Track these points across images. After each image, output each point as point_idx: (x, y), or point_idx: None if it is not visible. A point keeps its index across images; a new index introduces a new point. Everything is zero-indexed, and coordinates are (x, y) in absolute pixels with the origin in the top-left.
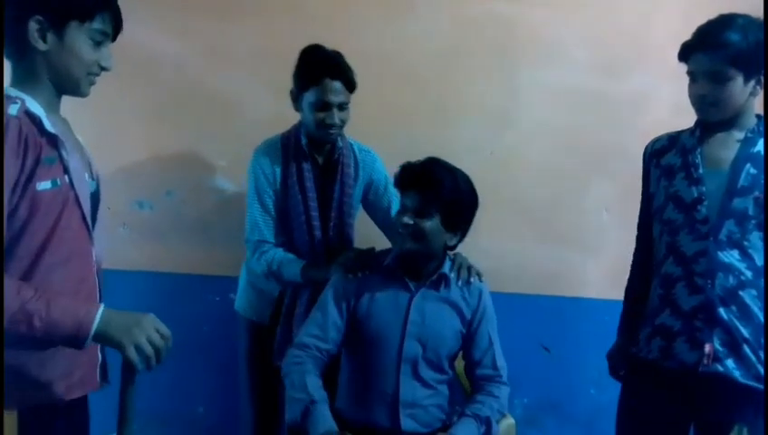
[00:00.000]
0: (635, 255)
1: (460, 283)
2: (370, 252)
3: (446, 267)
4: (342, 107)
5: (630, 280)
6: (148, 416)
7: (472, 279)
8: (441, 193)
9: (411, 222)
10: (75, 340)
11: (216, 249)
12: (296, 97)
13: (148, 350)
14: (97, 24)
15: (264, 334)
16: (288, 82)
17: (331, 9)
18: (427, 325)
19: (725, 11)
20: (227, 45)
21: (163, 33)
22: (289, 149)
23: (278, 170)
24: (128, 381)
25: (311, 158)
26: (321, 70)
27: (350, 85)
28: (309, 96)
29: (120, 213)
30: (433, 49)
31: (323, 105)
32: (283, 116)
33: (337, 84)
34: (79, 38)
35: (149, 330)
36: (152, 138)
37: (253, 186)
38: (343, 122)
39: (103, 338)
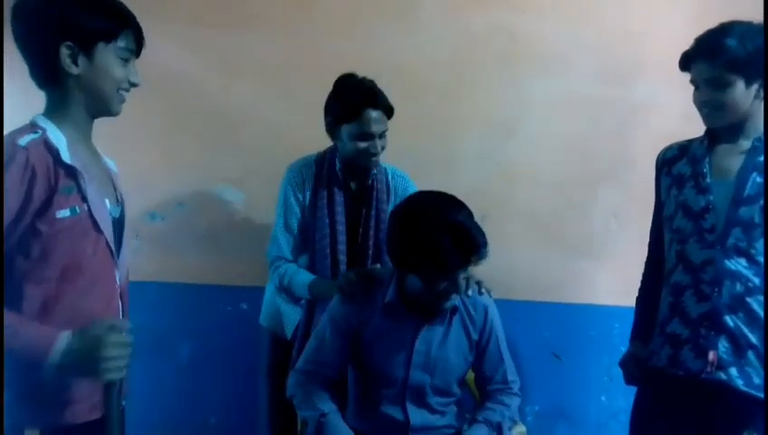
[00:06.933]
0: (647, 262)
1: (470, 292)
2: (372, 272)
3: (454, 300)
4: (383, 135)
5: (642, 287)
6: (161, 425)
7: (482, 290)
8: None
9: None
10: (41, 369)
11: (227, 260)
12: (333, 128)
13: (116, 373)
14: (122, 43)
15: (286, 347)
16: (298, 94)
17: (339, 23)
18: (433, 354)
19: (729, 17)
20: (238, 59)
21: (174, 46)
22: (322, 171)
23: (309, 191)
24: (111, 396)
25: (344, 184)
26: (361, 101)
27: (390, 112)
28: (350, 128)
29: (133, 224)
30: (439, 61)
31: (366, 136)
32: (293, 129)
33: (377, 114)
34: (108, 57)
35: (112, 350)
36: (164, 150)
37: (282, 202)
38: (383, 149)
39: (69, 371)
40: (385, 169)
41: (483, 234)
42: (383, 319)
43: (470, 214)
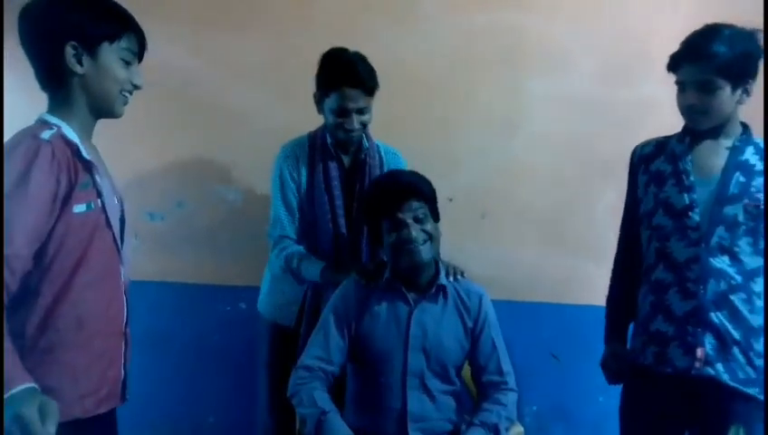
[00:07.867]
0: (617, 260)
1: (450, 278)
2: (386, 264)
3: (443, 278)
4: (362, 111)
5: (614, 287)
6: (159, 424)
7: (458, 276)
8: (432, 196)
9: (423, 231)
10: None
11: (226, 259)
12: (318, 100)
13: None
14: (125, 43)
15: (288, 337)
16: (297, 94)
17: (339, 20)
18: (429, 337)
19: (728, 18)
20: (237, 58)
21: (173, 45)
22: (316, 148)
23: (304, 169)
24: None
25: (336, 158)
26: (339, 77)
27: (369, 91)
28: (329, 102)
29: (132, 224)
30: (440, 58)
31: (342, 111)
32: (292, 127)
33: (355, 92)
34: (111, 58)
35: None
36: (163, 149)
37: (277, 182)
38: (364, 125)
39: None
40: (377, 145)
41: (425, 182)
42: (380, 301)
43: (418, 175)
